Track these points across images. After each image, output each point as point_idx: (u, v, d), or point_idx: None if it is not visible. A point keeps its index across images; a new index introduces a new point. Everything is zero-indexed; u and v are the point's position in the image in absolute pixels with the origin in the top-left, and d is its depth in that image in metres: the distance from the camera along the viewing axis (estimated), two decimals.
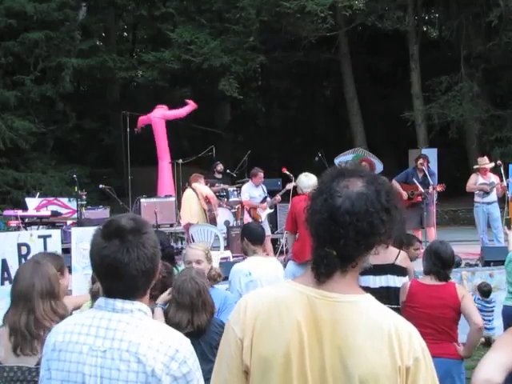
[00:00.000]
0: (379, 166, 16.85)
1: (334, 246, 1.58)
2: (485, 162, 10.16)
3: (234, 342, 1.62)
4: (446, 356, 4.21)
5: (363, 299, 1.61)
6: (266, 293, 1.68)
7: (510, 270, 5.80)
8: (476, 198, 10.21)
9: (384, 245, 1.65)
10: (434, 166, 13.60)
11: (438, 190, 10.03)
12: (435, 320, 4.28)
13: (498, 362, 1.94)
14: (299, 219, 6.35)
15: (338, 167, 1.69)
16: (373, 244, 1.61)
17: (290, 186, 10.41)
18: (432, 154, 14.82)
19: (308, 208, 1.66)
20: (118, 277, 1.85)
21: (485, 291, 7.64)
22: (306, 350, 1.56)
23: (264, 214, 10.57)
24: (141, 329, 1.85)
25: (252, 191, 10.68)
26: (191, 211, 10.19)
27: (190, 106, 14.08)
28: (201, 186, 10.38)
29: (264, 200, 10.69)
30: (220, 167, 12.33)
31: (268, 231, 10.63)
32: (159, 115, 13.88)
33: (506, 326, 5.08)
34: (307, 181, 6.45)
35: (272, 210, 10.83)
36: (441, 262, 4.40)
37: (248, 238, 5.28)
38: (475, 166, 10.41)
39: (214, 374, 1.70)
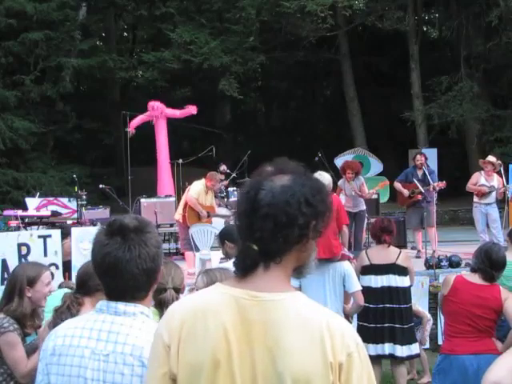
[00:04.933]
0: (379, 166, 16.90)
1: (253, 238, 1.56)
2: (490, 160, 10.06)
3: (163, 348, 1.57)
4: (490, 352, 4.23)
5: (291, 296, 1.55)
6: (194, 298, 1.64)
7: (509, 273, 5.74)
8: (475, 198, 10.19)
9: (310, 240, 1.59)
10: (434, 165, 13.60)
11: (440, 186, 10.00)
12: (476, 319, 4.29)
13: (510, 364, 1.93)
14: None
15: (268, 165, 1.66)
16: (291, 237, 1.55)
17: None
18: (432, 154, 14.83)
19: (236, 205, 1.66)
20: (118, 275, 1.83)
21: None
22: (235, 355, 1.50)
23: None
24: (144, 332, 1.84)
25: None
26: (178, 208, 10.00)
27: (189, 110, 13.96)
28: (193, 189, 9.71)
29: None
30: (223, 168, 12.31)
31: None
32: (158, 112, 13.80)
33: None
34: (321, 179, 6.44)
35: None
36: (489, 262, 4.38)
37: (229, 240, 5.28)
38: (481, 160, 10.33)
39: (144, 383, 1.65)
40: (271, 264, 1.57)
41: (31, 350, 3.52)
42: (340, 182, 10.04)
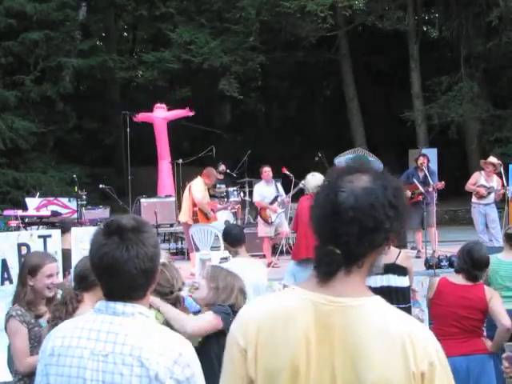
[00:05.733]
0: (379, 166, 16.88)
1: (337, 243, 1.52)
2: (491, 161, 10.05)
3: (238, 352, 1.56)
4: (479, 352, 4.23)
5: (372, 301, 1.54)
6: (269, 302, 1.61)
7: (504, 273, 5.74)
8: (473, 199, 10.20)
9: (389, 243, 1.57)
10: (434, 165, 13.56)
11: (439, 187, 10.00)
12: (462, 320, 4.29)
13: None
14: (299, 218, 6.36)
15: (344, 164, 1.63)
16: (377, 241, 1.53)
17: (301, 185, 10.28)
18: (432, 153, 14.79)
19: (311, 205, 1.61)
20: (116, 275, 1.83)
21: None
22: (314, 362, 1.49)
23: (274, 214, 10.46)
24: (143, 332, 1.84)
25: (263, 190, 10.59)
26: (183, 209, 10.06)
27: (186, 111, 14.08)
28: (195, 190, 9.75)
29: (275, 199, 10.57)
30: (222, 168, 12.34)
31: (285, 229, 10.51)
32: (161, 116, 13.89)
33: None
34: (314, 181, 6.41)
35: (283, 210, 10.66)
36: (472, 261, 4.39)
37: (226, 240, 5.32)
38: (482, 161, 10.33)
39: None
40: (353, 268, 1.54)
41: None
42: None
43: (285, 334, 1.51)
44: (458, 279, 4.44)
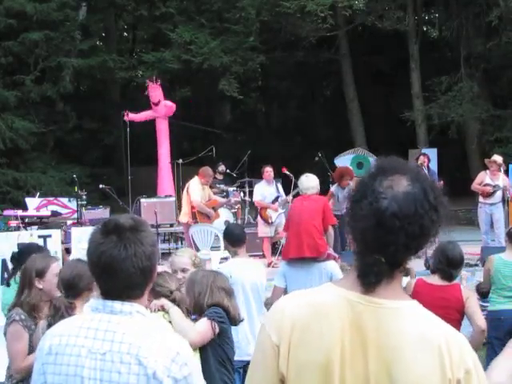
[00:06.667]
0: None
1: (383, 252, 1.49)
2: (495, 159, 10.06)
3: (271, 348, 1.53)
4: None
5: (409, 306, 1.53)
6: (305, 297, 1.57)
7: (508, 273, 5.73)
8: (480, 198, 10.22)
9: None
10: (434, 165, 13.60)
11: None
12: None
13: (509, 368, 1.92)
14: (290, 218, 6.34)
15: (378, 163, 1.58)
16: (423, 245, 1.53)
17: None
18: (432, 153, 14.81)
19: (350, 211, 1.56)
20: (114, 273, 1.83)
21: (484, 292, 7.59)
22: (349, 358, 1.47)
23: (275, 214, 10.46)
24: (141, 331, 1.84)
25: (264, 190, 10.57)
26: (183, 210, 10.05)
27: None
28: (192, 191, 9.77)
29: (276, 200, 10.55)
30: (222, 168, 12.34)
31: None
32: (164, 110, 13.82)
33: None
34: (307, 182, 6.38)
35: (284, 211, 10.66)
36: (446, 261, 4.39)
37: (226, 240, 5.32)
38: (486, 160, 10.35)
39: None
40: (395, 273, 1.53)
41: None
42: (333, 189, 10.00)
43: (320, 331, 1.49)
44: (434, 280, 4.45)
